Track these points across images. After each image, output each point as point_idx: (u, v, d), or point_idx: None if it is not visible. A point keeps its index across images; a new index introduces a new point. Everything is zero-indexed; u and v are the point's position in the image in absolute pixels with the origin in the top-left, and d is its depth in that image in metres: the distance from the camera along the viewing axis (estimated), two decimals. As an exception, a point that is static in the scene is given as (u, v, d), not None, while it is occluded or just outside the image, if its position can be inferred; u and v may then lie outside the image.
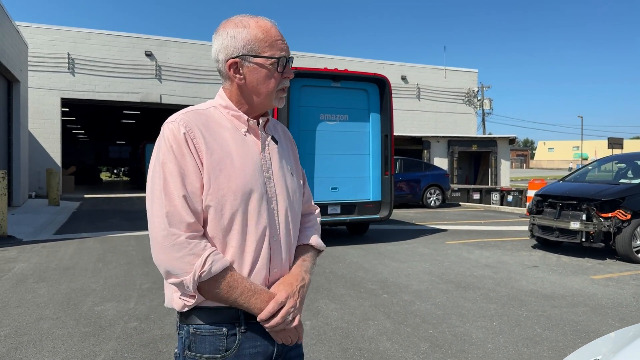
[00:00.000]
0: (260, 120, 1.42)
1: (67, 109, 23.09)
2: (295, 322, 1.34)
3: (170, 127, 1.30)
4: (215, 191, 1.28)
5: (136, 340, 3.95)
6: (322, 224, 8.51)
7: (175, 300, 1.32)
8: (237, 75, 1.36)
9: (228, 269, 1.27)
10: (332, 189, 8.48)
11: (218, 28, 1.39)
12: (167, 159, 1.27)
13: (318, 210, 1.62)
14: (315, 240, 1.52)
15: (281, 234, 1.38)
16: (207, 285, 1.26)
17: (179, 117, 1.33)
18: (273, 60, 1.35)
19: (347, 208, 8.59)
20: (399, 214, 13.77)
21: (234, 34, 1.34)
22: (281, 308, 1.31)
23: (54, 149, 19.42)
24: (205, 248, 1.26)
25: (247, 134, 1.39)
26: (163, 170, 1.27)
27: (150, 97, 20.76)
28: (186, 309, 1.30)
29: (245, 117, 1.39)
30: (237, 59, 1.34)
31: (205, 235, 1.30)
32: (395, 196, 14.58)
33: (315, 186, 8.33)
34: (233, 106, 1.39)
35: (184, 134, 1.28)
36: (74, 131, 36.34)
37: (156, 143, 1.35)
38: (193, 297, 1.28)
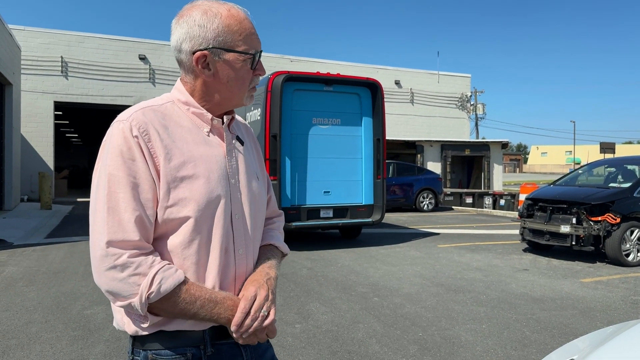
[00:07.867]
0: (225, 119, 1.24)
1: (60, 113, 22.96)
2: (271, 317, 1.18)
3: (121, 127, 1.12)
4: (174, 202, 1.12)
5: (125, 343, 3.93)
6: (315, 227, 8.60)
7: (127, 323, 1.15)
8: (206, 71, 1.18)
9: (182, 283, 1.11)
10: (325, 192, 8.49)
11: (181, 12, 1.19)
12: (115, 165, 1.09)
13: (282, 215, 1.50)
14: (279, 241, 1.39)
15: (247, 246, 1.24)
16: (159, 304, 1.09)
17: (131, 115, 1.13)
18: (248, 56, 1.19)
19: (340, 211, 8.61)
20: (391, 217, 13.80)
21: (203, 23, 1.15)
22: (252, 305, 1.15)
23: (46, 152, 19.34)
24: (153, 265, 1.08)
25: (210, 134, 1.22)
26: (109, 179, 1.09)
27: (144, 101, 20.73)
28: (141, 332, 1.13)
29: (209, 115, 1.22)
30: (206, 52, 1.16)
31: (158, 251, 1.13)
32: (388, 200, 14.64)
33: (307, 190, 8.35)
34: (194, 102, 1.21)
35: (137, 136, 1.10)
36: (67, 135, 36.12)
37: (102, 144, 1.15)
38: (146, 318, 1.11)
